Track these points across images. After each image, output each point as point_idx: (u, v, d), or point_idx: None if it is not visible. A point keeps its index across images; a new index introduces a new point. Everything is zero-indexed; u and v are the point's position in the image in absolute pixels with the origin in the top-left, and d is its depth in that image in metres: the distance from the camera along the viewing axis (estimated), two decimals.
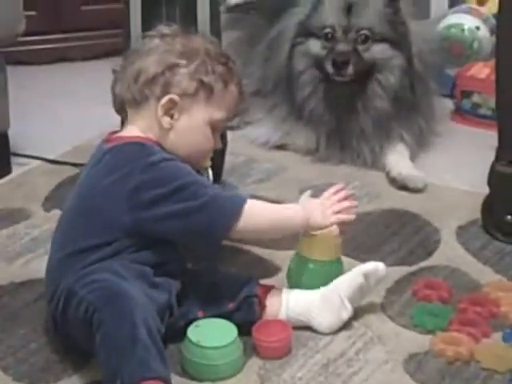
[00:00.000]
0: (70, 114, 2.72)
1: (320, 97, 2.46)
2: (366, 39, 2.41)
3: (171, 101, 1.62)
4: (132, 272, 1.57)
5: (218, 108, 1.66)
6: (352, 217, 1.74)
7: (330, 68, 2.38)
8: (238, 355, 1.61)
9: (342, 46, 2.39)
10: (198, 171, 1.70)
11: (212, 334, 1.60)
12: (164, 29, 1.70)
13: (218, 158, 2.11)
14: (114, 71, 1.69)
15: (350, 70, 2.37)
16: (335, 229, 1.77)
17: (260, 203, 1.67)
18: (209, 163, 1.74)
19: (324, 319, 1.70)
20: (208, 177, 1.74)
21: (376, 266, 1.72)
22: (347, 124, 2.45)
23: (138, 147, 1.62)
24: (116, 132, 1.70)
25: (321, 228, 1.71)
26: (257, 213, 1.64)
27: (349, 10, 2.41)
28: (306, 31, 2.48)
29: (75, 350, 1.61)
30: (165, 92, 1.62)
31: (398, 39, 2.43)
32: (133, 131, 1.66)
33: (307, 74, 2.48)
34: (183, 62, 1.63)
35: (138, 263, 1.60)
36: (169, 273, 1.64)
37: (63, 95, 2.85)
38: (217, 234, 1.62)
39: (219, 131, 1.71)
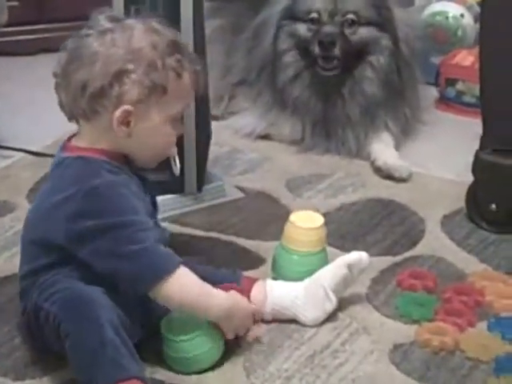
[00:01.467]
0: (54, 105, 2.68)
1: (305, 84, 2.46)
2: (352, 23, 2.41)
3: (126, 111, 1.52)
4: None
5: (174, 103, 1.57)
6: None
7: (316, 49, 2.38)
8: (210, 346, 1.58)
9: (328, 28, 2.40)
10: (166, 161, 1.67)
11: (182, 326, 1.58)
12: (100, 21, 1.56)
13: (201, 148, 2.12)
14: (55, 75, 1.58)
15: (337, 51, 2.37)
16: (321, 219, 1.78)
17: (191, 276, 1.54)
18: (175, 151, 1.68)
19: (309, 312, 1.70)
20: (176, 165, 1.71)
21: (359, 257, 1.72)
22: (333, 111, 2.45)
23: (85, 164, 1.54)
24: (73, 136, 1.62)
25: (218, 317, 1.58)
26: (185, 282, 1.53)
27: None
28: (291, 16, 2.48)
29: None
30: (117, 104, 1.51)
31: (384, 23, 2.44)
32: (85, 140, 1.58)
33: (290, 54, 2.48)
34: (130, 67, 1.51)
35: (91, 283, 1.54)
36: None
37: (47, 86, 2.80)
38: (139, 287, 1.52)
39: (180, 120, 1.64)
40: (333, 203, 2.18)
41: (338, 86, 2.44)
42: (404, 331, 1.71)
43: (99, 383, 1.42)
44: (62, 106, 1.59)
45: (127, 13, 1.97)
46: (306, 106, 2.47)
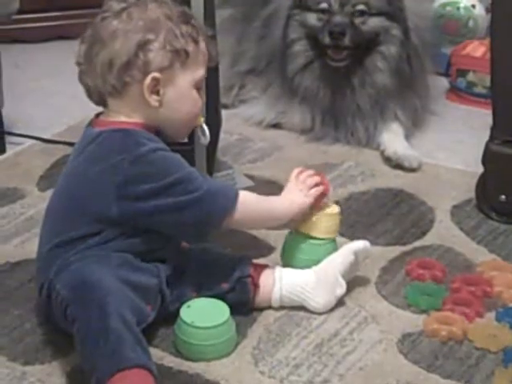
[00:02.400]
0: (63, 92, 2.70)
1: (315, 73, 2.45)
2: (362, 13, 2.41)
3: (154, 79, 1.59)
4: (114, 260, 1.56)
5: (196, 67, 1.64)
6: (327, 188, 1.77)
7: (326, 39, 2.38)
8: (231, 335, 1.62)
9: (338, 18, 2.39)
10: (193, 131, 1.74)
11: (204, 314, 1.60)
12: (113, 4, 1.63)
13: (212, 137, 2.12)
14: (79, 63, 1.64)
15: (347, 41, 2.36)
16: (337, 207, 1.80)
17: (252, 196, 1.67)
18: (202, 120, 1.72)
19: (320, 297, 1.70)
20: (204, 133, 1.74)
21: (364, 245, 1.75)
22: (342, 101, 2.44)
23: (126, 136, 1.59)
24: (101, 113, 1.67)
25: (304, 207, 1.73)
26: (249, 206, 1.65)
27: None
28: (302, 5, 2.47)
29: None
30: (145, 72, 1.58)
31: (394, 13, 2.43)
32: (119, 117, 1.62)
33: (300, 44, 2.47)
34: (151, 36, 1.58)
35: (122, 251, 1.59)
36: (157, 258, 1.63)
37: (59, 74, 2.83)
38: (207, 228, 1.63)
39: (202, 87, 1.69)
40: (342, 193, 2.18)
41: (348, 76, 2.44)
42: (412, 321, 1.71)
43: (98, 375, 1.42)
44: (89, 92, 1.64)
45: None
46: (315, 95, 2.46)
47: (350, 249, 1.73)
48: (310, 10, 2.45)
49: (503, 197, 2.04)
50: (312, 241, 1.77)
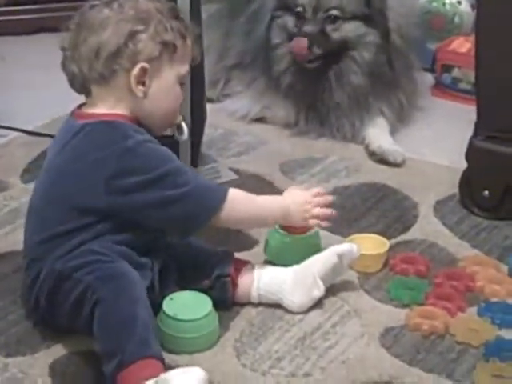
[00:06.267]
0: (48, 85, 2.68)
1: (296, 72, 2.45)
2: (335, 19, 2.38)
3: (142, 69, 1.59)
4: (116, 254, 1.57)
5: (182, 63, 1.65)
6: (327, 224, 1.74)
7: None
8: (214, 328, 1.62)
9: (308, 27, 2.37)
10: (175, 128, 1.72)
11: (187, 306, 1.61)
12: None
13: (196, 130, 2.12)
14: (64, 49, 1.63)
15: (315, 49, 2.35)
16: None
17: (242, 194, 1.65)
18: (180, 118, 1.72)
19: (295, 297, 1.70)
20: (182, 132, 1.73)
21: (350, 248, 1.73)
22: (324, 99, 2.44)
23: (111, 128, 1.58)
24: (83, 105, 1.66)
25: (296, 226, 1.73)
26: (239, 205, 1.63)
27: None
28: (283, 5, 2.46)
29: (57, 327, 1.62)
30: (133, 62, 1.58)
31: (373, 15, 2.40)
32: (101, 107, 1.62)
33: (283, 47, 2.47)
34: (141, 27, 1.59)
35: (120, 244, 1.59)
36: (150, 251, 1.63)
37: (42, 66, 2.82)
38: (194, 224, 1.62)
39: (185, 84, 1.71)
40: (326, 187, 2.14)
41: (326, 76, 2.43)
42: (395, 315, 1.72)
43: (125, 356, 1.43)
44: (72, 79, 1.63)
45: None
46: (298, 92, 2.46)
47: (334, 251, 1.72)
48: (290, 11, 2.44)
49: (486, 192, 2.05)
50: (291, 236, 1.77)
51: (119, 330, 1.46)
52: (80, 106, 1.66)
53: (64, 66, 1.63)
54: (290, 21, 2.44)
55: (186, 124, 1.73)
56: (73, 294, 1.53)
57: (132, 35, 1.58)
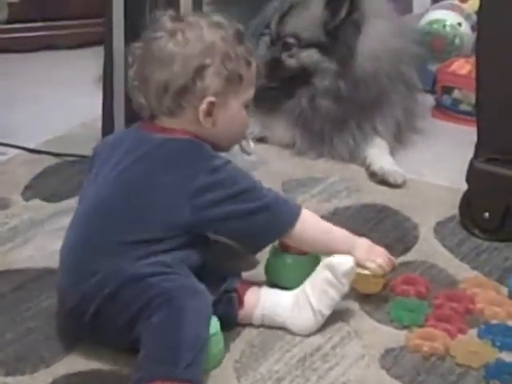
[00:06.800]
0: (51, 102, 2.70)
1: (270, 91, 2.42)
2: (290, 46, 2.40)
3: (209, 103, 1.64)
4: (186, 272, 1.60)
5: (248, 88, 1.70)
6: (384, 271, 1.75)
7: None
8: (220, 347, 1.61)
9: (266, 53, 2.40)
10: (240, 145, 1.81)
11: None
12: (166, 23, 1.66)
13: None
14: (132, 79, 1.67)
15: (266, 80, 2.36)
16: None
17: (313, 215, 1.72)
18: (248, 133, 1.80)
19: (297, 323, 1.69)
20: (249, 146, 1.81)
21: (340, 259, 1.69)
22: (304, 119, 2.44)
23: (197, 148, 1.64)
24: (152, 120, 1.68)
25: (354, 264, 1.70)
26: (310, 223, 1.70)
27: (286, 13, 2.41)
28: (268, 26, 2.48)
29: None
30: (201, 97, 1.63)
31: (331, 43, 2.38)
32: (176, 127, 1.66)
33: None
34: (208, 60, 1.63)
35: (185, 263, 1.61)
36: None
37: (46, 84, 2.83)
38: (274, 235, 1.69)
39: (248, 106, 1.74)
40: (327, 207, 2.18)
41: (297, 98, 2.43)
42: (395, 336, 1.71)
43: (178, 370, 1.45)
44: (140, 107, 1.68)
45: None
46: (283, 113, 2.47)
47: (323, 263, 1.70)
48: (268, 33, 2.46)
49: (487, 214, 2.05)
50: (291, 257, 1.78)
51: (176, 343, 1.47)
52: (149, 122, 1.69)
53: (133, 95, 1.68)
54: (267, 42, 2.46)
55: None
56: (142, 296, 1.53)
57: (199, 71, 1.62)
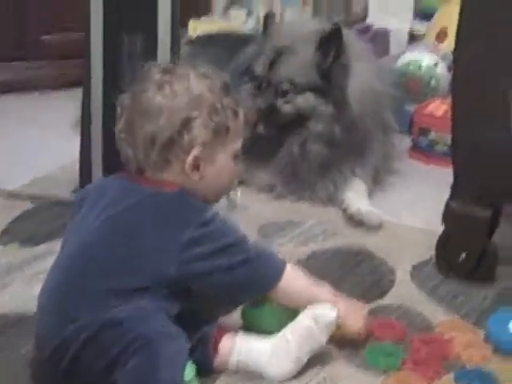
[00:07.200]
0: (30, 144, 2.70)
1: (263, 138, 2.43)
2: (285, 92, 2.40)
3: (195, 157, 1.63)
4: (164, 318, 1.59)
5: (235, 139, 1.69)
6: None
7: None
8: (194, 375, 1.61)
9: (258, 101, 2.39)
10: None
11: None
12: (155, 75, 1.66)
13: None
14: (119, 131, 1.67)
15: (261, 128, 2.37)
16: None
17: (297, 270, 1.72)
18: (236, 185, 1.80)
19: (274, 370, 1.68)
20: (237, 196, 1.81)
21: (323, 311, 1.70)
22: (292, 166, 2.45)
23: (187, 200, 1.63)
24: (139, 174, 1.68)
25: (349, 330, 1.74)
26: (294, 279, 1.69)
27: (275, 60, 2.41)
28: (249, 71, 2.49)
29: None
30: (188, 150, 1.62)
31: (326, 86, 2.39)
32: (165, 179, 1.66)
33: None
34: (195, 113, 1.62)
35: (164, 310, 1.60)
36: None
37: (24, 125, 2.84)
38: (258, 290, 1.68)
39: (238, 157, 1.73)
40: (304, 251, 2.19)
41: (287, 146, 2.44)
42: (372, 381, 1.71)
43: None
44: (128, 159, 1.67)
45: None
46: (265, 158, 2.47)
47: (307, 314, 1.70)
48: (251, 79, 2.46)
49: (463, 255, 2.06)
50: (268, 305, 1.77)
51: None
52: (137, 174, 1.68)
53: (120, 147, 1.67)
54: (251, 89, 2.45)
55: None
56: (119, 342, 1.53)
57: (185, 123, 1.61)
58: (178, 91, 1.63)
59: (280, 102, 2.40)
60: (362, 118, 2.44)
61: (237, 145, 1.70)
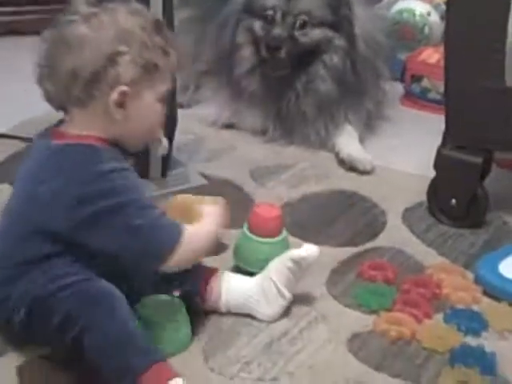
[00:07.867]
0: (17, 88, 2.68)
1: (259, 79, 2.45)
2: (303, 24, 2.40)
3: (122, 93, 1.51)
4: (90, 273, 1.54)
5: (163, 81, 1.58)
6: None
7: (264, 52, 2.39)
8: (186, 331, 1.62)
9: (277, 31, 2.38)
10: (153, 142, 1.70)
11: (162, 309, 1.61)
12: (82, 7, 1.53)
13: (167, 135, 2.12)
14: (40, 66, 1.54)
15: (283, 54, 2.36)
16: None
17: (193, 230, 1.57)
18: (161, 132, 1.67)
19: (264, 309, 1.69)
20: (163, 145, 1.71)
21: (305, 252, 1.68)
22: (289, 107, 2.45)
23: (90, 151, 1.52)
24: (59, 124, 1.59)
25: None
26: (193, 242, 1.56)
27: None
28: (250, 10, 2.48)
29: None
30: (113, 86, 1.50)
31: (339, 22, 2.43)
32: (78, 128, 1.55)
33: (246, 49, 2.48)
34: (123, 48, 1.50)
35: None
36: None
37: (11, 69, 2.81)
38: (149, 259, 1.55)
39: (165, 99, 1.63)
40: (295, 193, 2.19)
41: (292, 83, 2.44)
42: (362, 321, 1.72)
43: (135, 371, 1.43)
44: (48, 97, 1.55)
45: None
46: (262, 100, 2.47)
47: (288, 255, 1.69)
48: (257, 15, 2.45)
49: (454, 201, 2.07)
50: (257, 241, 1.78)
51: (120, 351, 1.44)
52: (57, 125, 1.59)
53: (40, 83, 1.55)
54: (256, 24, 2.45)
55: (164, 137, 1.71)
56: (52, 321, 1.49)
57: (112, 58, 1.50)
58: (105, 23, 1.51)
59: (298, 33, 2.40)
60: (369, 59, 2.47)
61: (164, 87, 1.58)
